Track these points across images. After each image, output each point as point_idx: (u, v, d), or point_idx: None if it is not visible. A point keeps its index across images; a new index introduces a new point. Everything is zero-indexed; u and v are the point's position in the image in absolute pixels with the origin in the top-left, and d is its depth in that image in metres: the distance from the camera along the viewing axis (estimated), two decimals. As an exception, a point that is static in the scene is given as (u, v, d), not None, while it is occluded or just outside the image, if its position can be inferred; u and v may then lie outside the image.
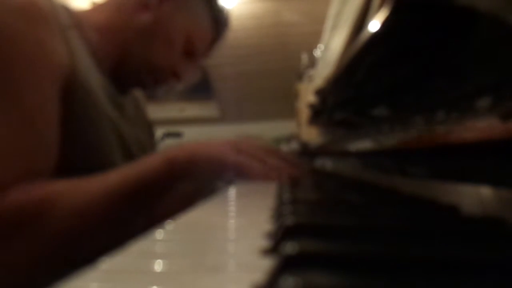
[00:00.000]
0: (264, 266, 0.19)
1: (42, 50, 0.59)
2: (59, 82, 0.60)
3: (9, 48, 0.56)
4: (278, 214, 0.30)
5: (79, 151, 0.61)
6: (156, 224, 0.30)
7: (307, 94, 1.69)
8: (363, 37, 0.39)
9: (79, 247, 0.55)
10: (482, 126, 0.27)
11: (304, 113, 1.68)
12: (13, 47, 0.57)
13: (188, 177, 0.60)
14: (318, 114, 0.96)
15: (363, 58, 0.43)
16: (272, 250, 0.21)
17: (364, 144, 0.58)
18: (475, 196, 0.32)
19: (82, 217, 0.54)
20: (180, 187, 0.60)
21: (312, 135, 1.50)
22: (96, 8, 0.78)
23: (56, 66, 0.60)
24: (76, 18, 0.70)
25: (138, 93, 0.89)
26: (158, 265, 0.19)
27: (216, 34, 0.83)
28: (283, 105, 3.47)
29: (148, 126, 0.90)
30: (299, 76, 2.23)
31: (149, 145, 0.84)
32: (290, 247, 0.18)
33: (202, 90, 4.36)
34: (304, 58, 2.30)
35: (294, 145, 2.32)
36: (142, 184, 0.57)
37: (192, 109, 4.81)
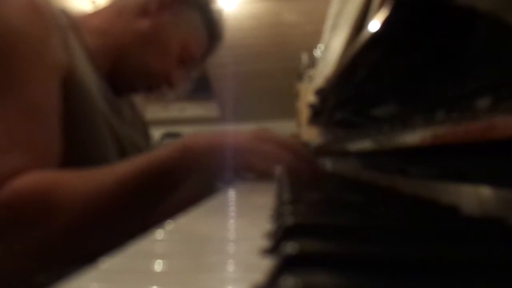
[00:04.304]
0: (264, 266, 0.19)
1: (43, 45, 0.59)
2: (59, 78, 0.60)
3: (11, 42, 0.57)
4: (278, 214, 0.30)
5: (73, 149, 0.61)
6: (156, 223, 0.30)
7: (307, 94, 1.69)
8: (363, 37, 0.39)
9: (89, 237, 0.53)
10: (482, 126, 0.27)
11: (304, 113, 1.68)
12: (15, 41, 0.57)
13: (206, 166, 0.56)
14: (318, 114, 0.96)
15: (363, 58, 0.43)
16: (272, 250, 0.21)
17: (364, 144, 0.58)
18: (475, 196, 0.32)
19: (90, 206, 0.53)
20: (190, 182, 0.57)
21: (312, 135, 1.50)
22: (95, 12, 0.79)
23: (56, 62, 0.60)
24: (74, 21, 0.70)
25: (135, 96, 0.90)
26: (158, 265, 0.19)
27: (210, 45, 0.85)
28: (283, 105, 3.47)
29: (144, 129, 0.90)
30: (299, 76, 2.24)
31: (145, 147, 0.84)
32: (290, 247, 0.18)
33: (202, 90, 4.36)
34: (304, 58, 2.30)
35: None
36: (156, 172, 0.54)
37: (192, 109, 4.81)
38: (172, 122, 4.56)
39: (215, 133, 0.59)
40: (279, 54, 3.86)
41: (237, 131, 0.59)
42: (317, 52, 1.64)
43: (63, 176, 0.54)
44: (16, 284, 0.52)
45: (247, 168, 0.58)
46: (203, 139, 0.57)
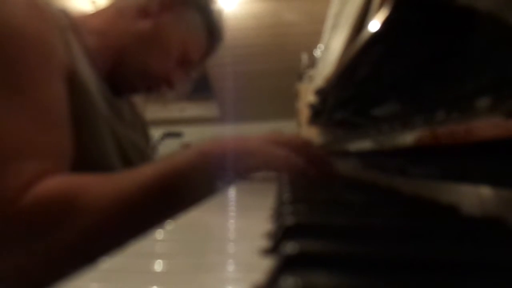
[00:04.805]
0: (264, 266, 0.19)
1: (47, 47, 0.59)
2: (63, 79, 0.60)
3: (15, 44, 0.56)
4: (278, 214, 0.30)
5: (75, 152, 0.61)
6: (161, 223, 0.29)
7: (307, 94, 1.69)
8: (363, 37, 0.39)
9: (108, 240, 0.53)
10: (482, 126, 0.27)
11: (304, 113, 1.69)
12: (19, 43, 0.57)
13: (224, 172, 0.57)
14: (318, 114, 0.96)
15: (363, 58, 0.43)
16: (272, 250, 0.21)
17: (364, 144, 0.58)
18: (475, 196, 0.32)
19: (112, 210, 0.53)
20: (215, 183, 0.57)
21: (312, 135, 1.50)
22: (95, 13, 0.79)
23: (60, 63, 0.60)
24: (73, 21, 0.70)
25: (135, 96, 0.89)
26: (158, 265, 0.19)
27: (210, 46, 0.85)
28: (283, 105, 3.47)
29: (144, 129, 0.90)
30: (299, 76, 2.24)
31: (145, 148, 0.84)
32: (290, 247, 0.18)
33: (202, 90, 4.36)
34: (304, 58, 2.30)
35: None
36: (175, 178, 0.54)
37: (192, 109, 4.81)
38: (172, 122, 4.56)
39: (229, 137, 0.59)
40: (279, 54, 3.86)
41: (251, 135, 0.60)
42: (317, 52, 1.64)
43: (86, 181, 0.54)
44: (35, 286, 0.52)
45: (260, 170, 0.59)
46: (218, 145, 0.57)
